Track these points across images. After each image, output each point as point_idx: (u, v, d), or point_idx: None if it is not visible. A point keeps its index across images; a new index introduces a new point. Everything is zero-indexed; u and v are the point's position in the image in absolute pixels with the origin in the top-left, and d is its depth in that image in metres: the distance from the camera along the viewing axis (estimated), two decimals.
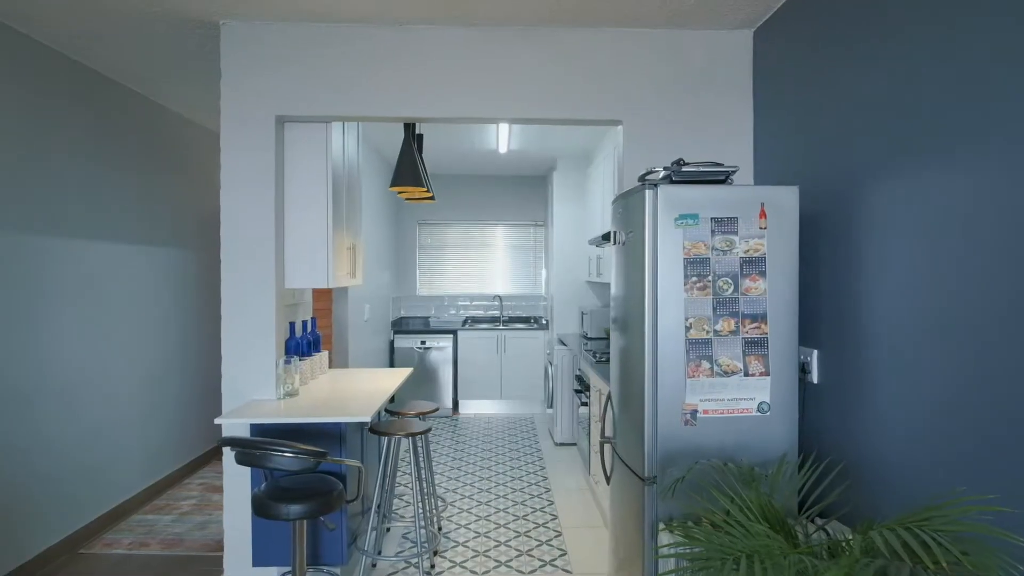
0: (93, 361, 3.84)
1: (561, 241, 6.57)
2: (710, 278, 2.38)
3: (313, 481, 2.81)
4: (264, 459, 2.54)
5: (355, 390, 3.41)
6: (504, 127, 5.28)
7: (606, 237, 4.40)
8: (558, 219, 6.57)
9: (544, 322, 7.36)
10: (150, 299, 4.42)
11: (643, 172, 2.70)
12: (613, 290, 3.00)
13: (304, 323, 3.71)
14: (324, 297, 5.23)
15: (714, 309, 2.38)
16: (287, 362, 3.21)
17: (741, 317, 2.39)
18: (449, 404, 7.06)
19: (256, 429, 3.03)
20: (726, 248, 2.39)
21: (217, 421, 2.78)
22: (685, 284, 2.38)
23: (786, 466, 2.38)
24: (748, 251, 2.40)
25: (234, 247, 3.15)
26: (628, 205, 2.66)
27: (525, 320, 7.82)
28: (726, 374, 2.37)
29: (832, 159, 2.48)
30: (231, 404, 3.16)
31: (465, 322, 7.60)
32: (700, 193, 2.41)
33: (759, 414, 2.40)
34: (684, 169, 2.50)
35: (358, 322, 5.54)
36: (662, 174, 2.54)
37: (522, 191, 7.86)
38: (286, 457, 2.52)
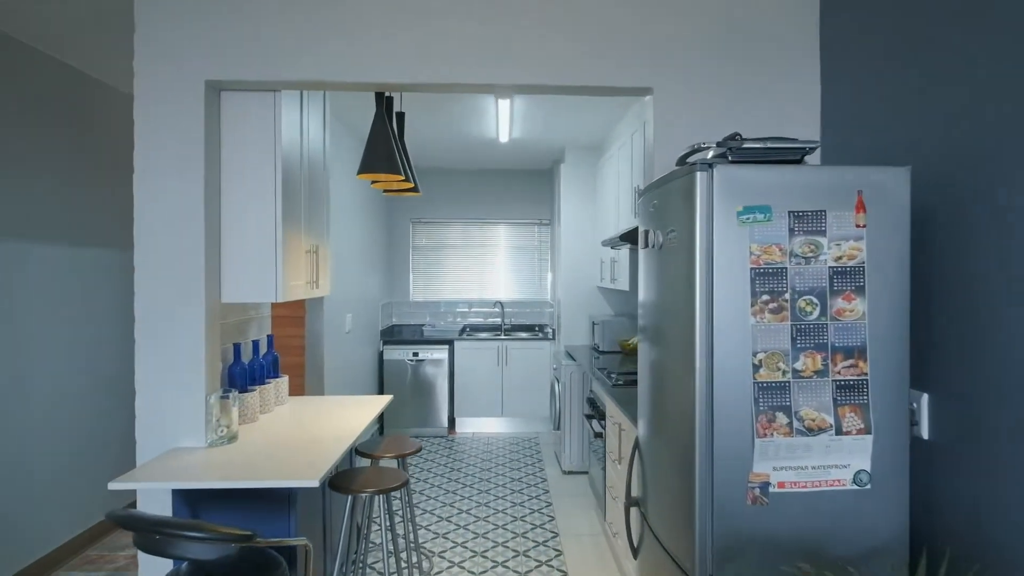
0: (2, 385, 3.16)
1: (569, 242, 5.87)
2: (787, 296, 1.68)
3: (248, 558, 2.11)
4: (167, 546, 1.84)
5: (316, 429, 2.71)
6: (505, 111, 4.58)
7: (626, 238, 3.70)
8: (566, 217, 5.87)
9: (550, 332, 6.66)
10: (80, 311, 3.73)
11: (685, 152, 2.00)
12: (643, 302, 2.29)
13: (255, 343, 3.02)
14: (295, 305, 4.53)
15: (793, 340, 1.68)
16: (224, 396, 2.52)
17: (831, 351, 1.68)
18: (444, 422, 6.37)
19: (176, 495, 2.34)
20: (810, 253, 1.69)
21: (112, 486, 2.07)
22: (752, 305, 1.68)
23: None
24: (840, 258, 1.69)
25: (151, 251, 2.46)
26: (666, 196, 1.95)
27: (529, 328, 7.12)
28: (810, 432, 1.67)
29: (959, 131, 1.77)
30: (147, 453, 2.46)
31: (463, 331, 6.90)
32: (773, 176, 1.71)
33: (856, 487, 1.70)
34: (746, 146, 1.80)
35: (338, 333, 4.85)
36: (714, 152, 1.84)
37: (525, 186, 7.16)
38: (197, 543, 1.83)
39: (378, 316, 6.37)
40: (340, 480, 2.66)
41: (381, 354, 6.44)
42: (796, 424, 1.67)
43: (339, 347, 4.90)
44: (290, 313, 4.50)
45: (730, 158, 1.80)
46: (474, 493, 4.73)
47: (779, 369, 1.67)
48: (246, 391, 2.86)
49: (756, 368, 1.68)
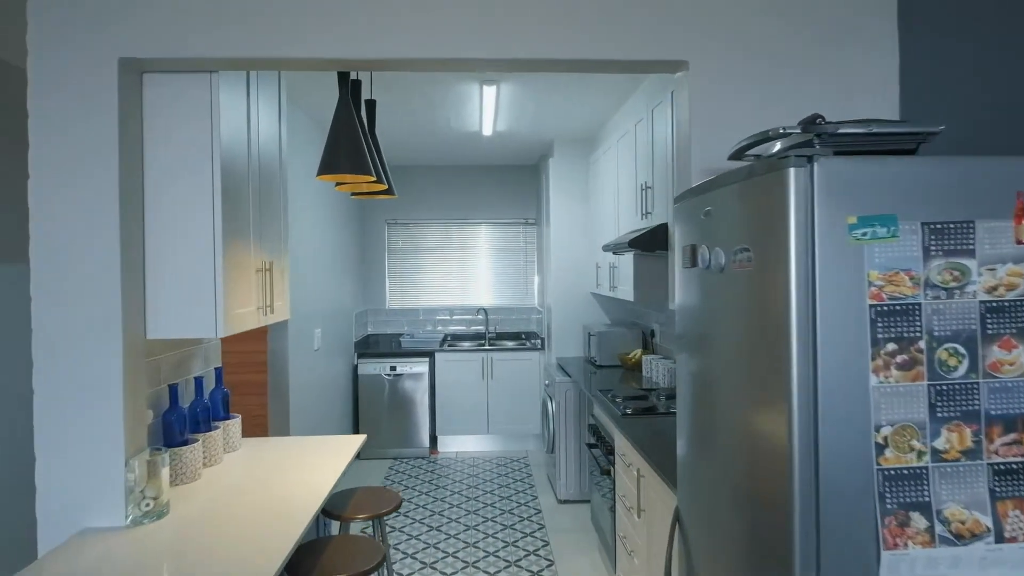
0: None
1: (560, 244, 5.36)
2: (921, 344, 1.19)
3: None
4: None
5: (274, 486, 2.18)
6: (490, 100, 4.05)
7: (638, 243, 3.19)
8: (556, 217, 5.36)
9: (539, 342, 6.15)
10: None
11: (746, 142, 1.50)
12: (688, 340, 1.80)
13: (198, 381, 2.48)
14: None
15: (932, 407, 1.19)
16: (153, 455, 1.98)
17: (985, 422, 1.20)
18: (426, 442, 5.84)
19: None
20: (953, 283, 1.20)
21: None
22: (873, 358, 1.19)
23: None
24: (996, 288, 1.20)
25: (50, 273, 1.91)
26: (732, 201, 1.45)
27: (515, 337, 6.61)
28: (959, 539, 1.18)
29: None
30: (52, 538, 1.91)
31: (444, 341, 6.37)
32: (898, 172, 1.21)
33: None
34: (844, 131, 1.31)
35: (305, 352, 4.30)
36: (790, 141, 1.35)
37: (510, 183, 6.65)
38: None
39: (352, 327, 5.82)
40: (301, 564, 2.13)
41: (356, 368, 5.89)
42: (939, 528, 1.18)
43: (307, 365, 4.35)
44: (247, 336, 3.94)
45: (817, 146, 1.31)
46: (460, 540, 4.21)
47: (912, 450, 1.18)
48: (186, 443, 2.32)
49: (880, 449, 1.18)
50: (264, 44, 1.94)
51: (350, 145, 2.20)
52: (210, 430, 2.50)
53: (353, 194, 2.77)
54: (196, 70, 2.05)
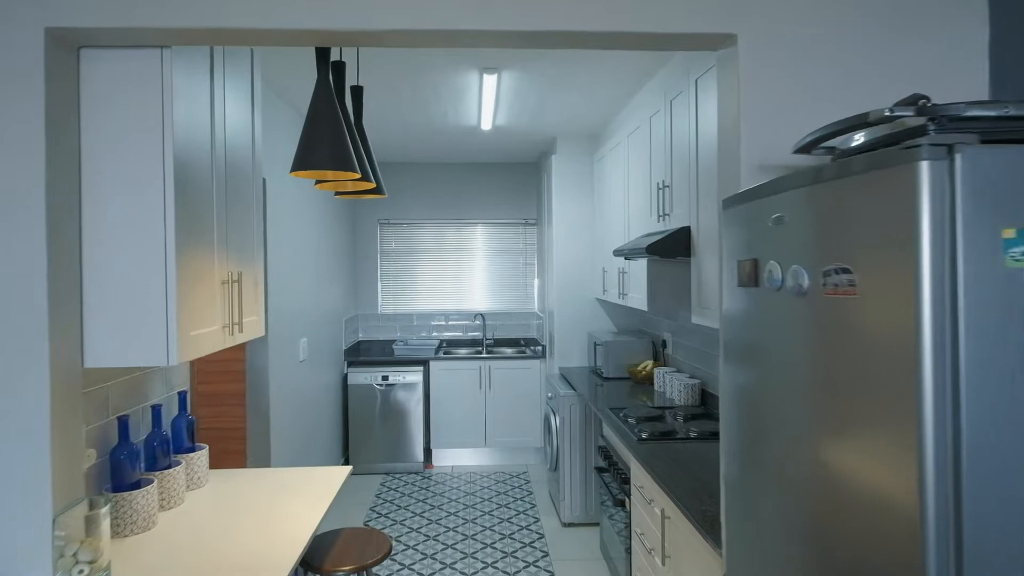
0: None
1: (563, 246, 5.03)
2: None
3: None
4: None
5: (243, 535, 1.84)
6: (490, 90, 3.72)
7: (659, 249, 2.86)
8: (558, 218, 5.03)
9: (539, 349, 5.82)
10: None
11: (828, 130, 1.17)
12: (742, 385, 1.47)
13: (155, 410, 2.14)
14: None
15: None
16: (93, 506, 1.64)
17: None
18: (419, 455, 5.50)
19: None
20: None
21: None
22: None
23: None
24: None
25: None
26: (809, 206, 1.12)
27: (514, 343, 6.28)
28: None
29: None
30: None
31: (439, 348, 6.04)
32: None
33: None
34: (973, 114, 0.98)
35: (289, 364, 3.96)
36: (912, 122, 1.03)
37: (508, 182, 6.31)
38: None
39: (341, 333, 5.47)
40: None
41: (345, 378, 5.54)
42: None
43: (291, 379, 4.01)
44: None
45: (933, 131, 0.99)
46: (457, 557, 3.88)
47: None
48: (138, 485, 1.98)
49: None
50: (226, 12, 1.60)
51: (331, 136, 1.86)
52: (170, 466, 2.16)
53: (337, 194, 2.43)
54: (145, 44, 1.71)
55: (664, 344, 4.30)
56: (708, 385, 3.58)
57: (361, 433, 5.45)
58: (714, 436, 2.91)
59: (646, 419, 3.20)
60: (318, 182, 2.17)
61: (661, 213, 3.23)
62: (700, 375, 3.69)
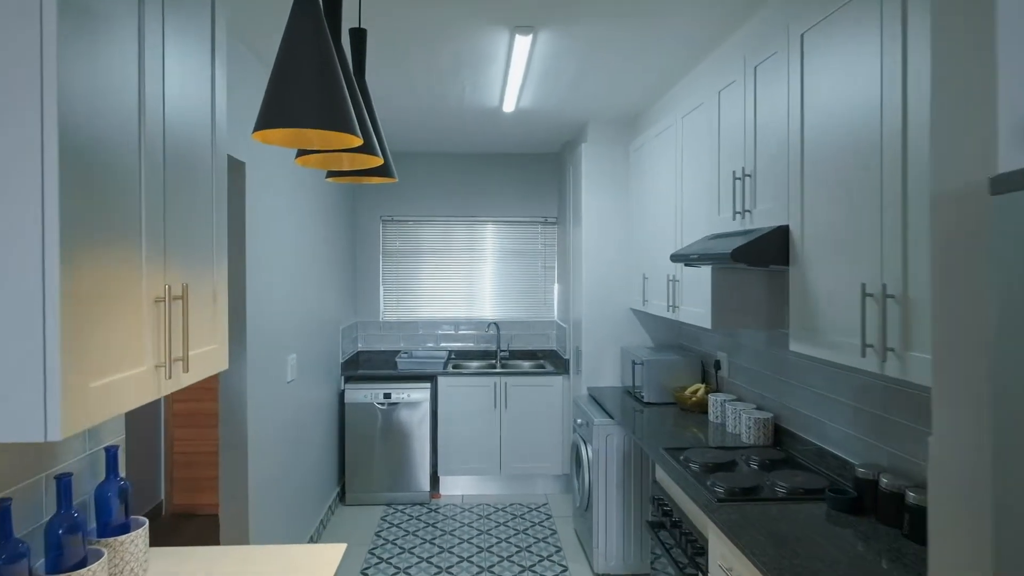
0: None
1: (593, 248, 4.38)
2: None
3: None
4: None
5: None
6: (520, 59, 3.07)
7: (746, 255, 2.21)
8: (588, 215, 4.38)
9: (562, 364, 5.16)
10: None
11: None
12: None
13: (63, 482, 1.48)
14: None
15: None
16: None
17: None
18: (425, 483, 4.85)
19: None
20: None
21: None
22: None
23: None
24: None
25: None
26: None
27: (531, 356, 5.63)
28: None
29: None
30: None
31: (448, 360, 5.39)
32: None
33: None
34: None
35: (274, 386, 3.31)
36: None
37: (528, 175, 5.66)
38: None
39: (338, 344, 4.82)
40: None
41: (342, 395, 4.89)
42: None
43: (276, 402, 3.36)
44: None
45: None
46: None
47: None
48: None
49: None
50: None
51: (317, 81, 1.20)
52: (84, 562, 1.51)
53: (329, 175, 1.77)
54: None
55: (717, 365, 3.65)
56: (782, 420, 2.93)
57: (359, 458, 4.80)
58: (811, 495, 2.26)
59: (715, 467, 2.55)
60: (300, 154, 1.51)
61: (738, 209, 2.58)
62: (769, 406, 3.04)
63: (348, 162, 1.58)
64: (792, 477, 2.40)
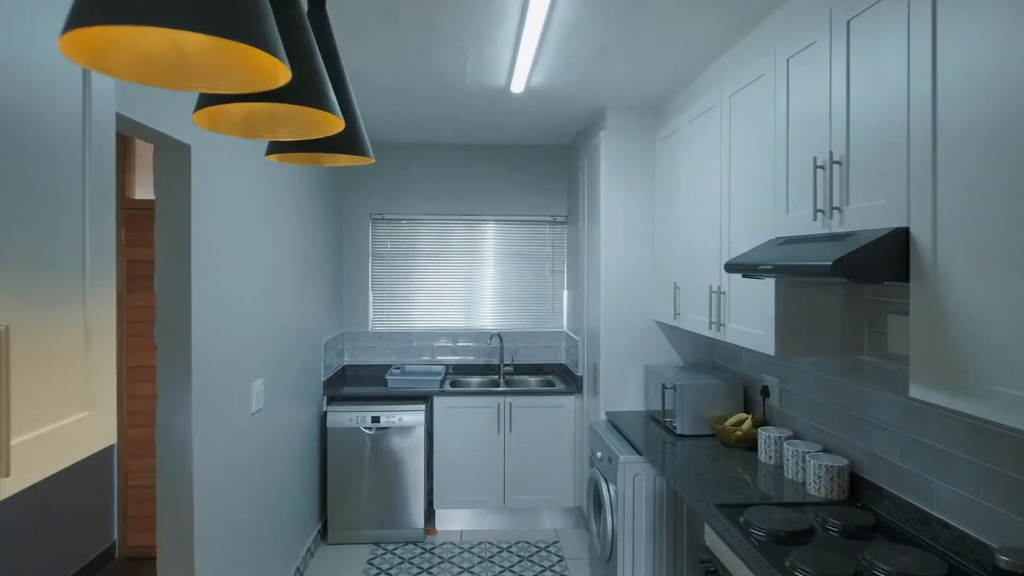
0: None
1: (612, 252, 3.80)
2: None
3: None
4: None
5: None
6: (537, 19, 2.48)
7: (853, 268, 1.64)
8: (607, 213, 3.80)
9: (573, 382, 4.58)
10: None
11: None
12: None
13: None
14: (143, 375, 2.37)
15: None
16: None
17: None
18: (419, 519, 4.26)
19: None
20: None
21: None
22: None
23: None
24: None
25: None
26: None
27: (537, 370, 5.05)
28: None
29: None
30: None
31: (445, 376, 4.81)
32: None
33: None
34: None
35: (234, 420, 2.72)
36: None
37: (535, 169, 5.07)
38: None
39: (319, 358, 4.23)
40: None
41: (324, 418, 4.30)
42: None
43: (238, 437, 2.77)
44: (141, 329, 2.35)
45: None
46: None
47: None
48: None
49: None
50: None
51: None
52: None
53: (270, 150, 1.19)
54: None
55: (765, 392, 3.07)
56: (861, 467, 2.36)
57: (344, 491, 4.21)
58: None
59: (787, 536, 1.98)
60: (202, 104, 0.91)
61: (820, 207, 2.00)
62: (839, 448, 2.47)
63: (291, 125, 0.99)
64: (897, 556, 1.82)
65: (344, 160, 1.25)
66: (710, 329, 2.87)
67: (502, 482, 4.38)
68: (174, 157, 2.24)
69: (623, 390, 3.80)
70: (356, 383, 4.63)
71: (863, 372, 2.36)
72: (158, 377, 2.26)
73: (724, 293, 2.76)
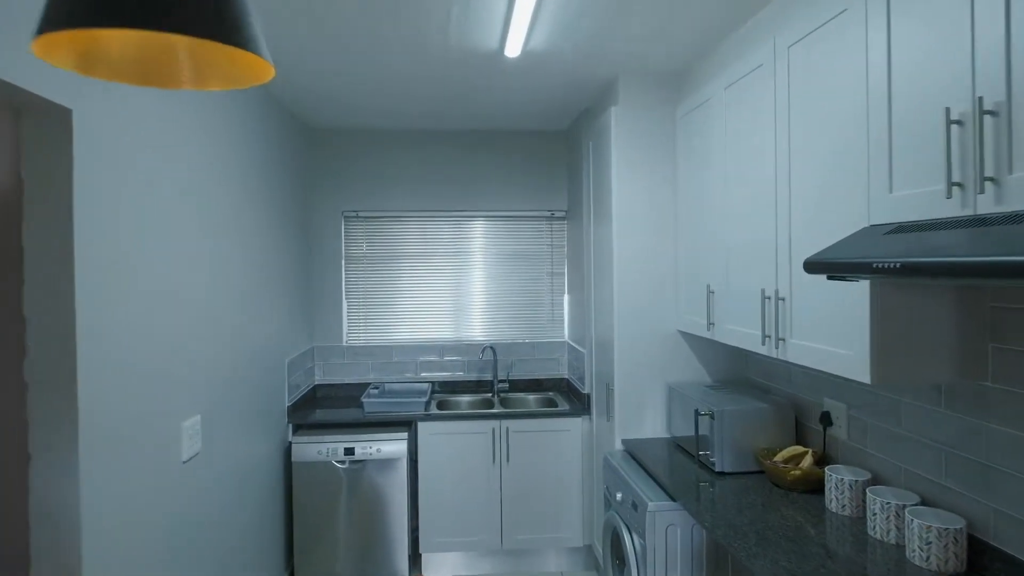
0: None
1: (627, 249, 3.20)
2: None
3: None
4: None
5: None
6: None
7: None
8: (621, 204, 3.19)
9: (584, 396, 3.98)
10: None
11: None
12: None
13: None
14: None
15: None
16: None
17: None
18: (402, 565, 3.64)
19: None
20: None
21: None
22: None
23: None
24: None
25: None
26: None
27: (536, 386, 4.44)
28: None
29: None
30: None
31: (431, 395, 4.20)
32: None
33: None
34: None
35: (152, 475, 2.09)
36: None
37: (530, 157, 4.47)
38: None
39: (283, 380, 3.60)
40: None
41: (288, 451, 3.67)
42: None
43: (158, 495, 2.15)
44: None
45: None
46: None
47: None
48: None
49: None
50: None
51: None
52: None
53: (42, 28, 0.58)
54: None
55: (826, 419, 2.48)
56: (981, 528, 1.78)
57: (313, 535, 3.58)
58: None
59: None
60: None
61: (958, 180, 1.41)
62: (948, 501, 1.88)
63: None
64: None
65: (213, 72, 0.65)
66: (763, 345, 2.28)
67: (499, 519, 3.77)
68: (47, 125, 1.61)
69: (641, 413, 3.20)
70: (328, 405, 4.00)
71: (985, 401, 1.78)
72: (30, 431, 1.63)
73: (783, 299, 2.16)
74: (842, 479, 2.19)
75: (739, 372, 3.23)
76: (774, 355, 2.22)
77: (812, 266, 1.66)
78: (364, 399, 3.87)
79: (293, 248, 3.86)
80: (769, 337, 2.25)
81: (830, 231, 1.90)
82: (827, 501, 2.26)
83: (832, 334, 1.90)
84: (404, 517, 3.63)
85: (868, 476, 2.20)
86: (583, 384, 3.89)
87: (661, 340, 3.20)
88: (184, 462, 2.28)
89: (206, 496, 2.47)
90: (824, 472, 2.34)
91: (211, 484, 2.52)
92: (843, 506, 2.19)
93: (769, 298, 2.25)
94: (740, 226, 2.47)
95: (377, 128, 4.30)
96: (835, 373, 1.88)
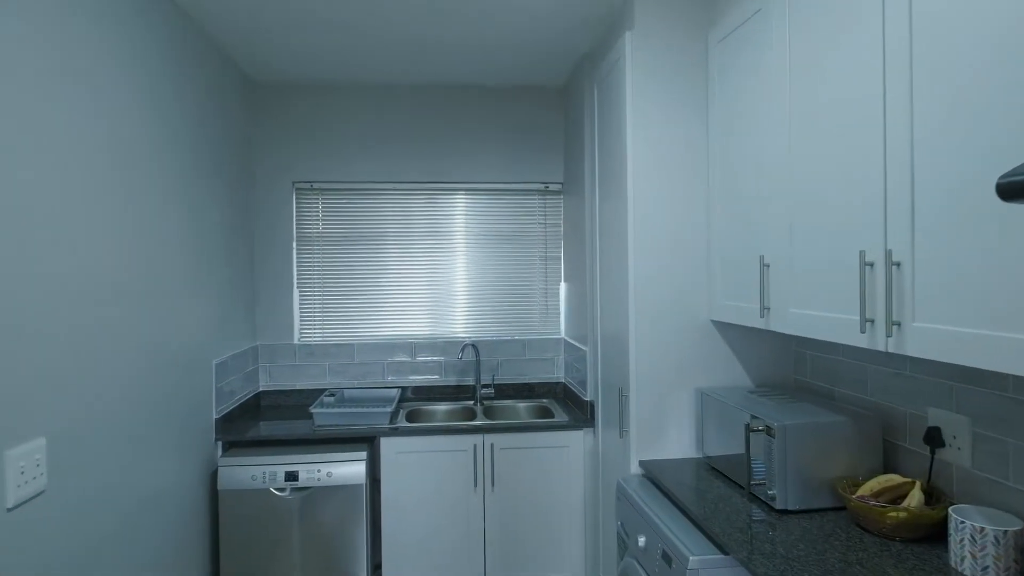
0: None
1: (647, 223, 2.48)
2: None
3: None
4: None
5: None
6: None
7: None
8: (638, 163, 2.48)
9: (585, 404, 3.26)
10: None
11: None
12: None
13: None
14: None
15: None
16: None
17: None
18: None
19: None
20: None
21: None
22: None
23: None
24: None
25: None
26: None
27: (526, 392, 3.72)
28: None
29: None
30: None
31: (399, 406, 3.48)
32: None
33: None
34: None
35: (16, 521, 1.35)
36: None
37: (519, 119, 3.75)
38: None
39: (210, 387, 2.86)
40: None
41: (215, 476, 2.92)
42: None
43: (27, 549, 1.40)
44: None
45: None
46: None
47: None
48: None
49: None
50: None
51: None
52: None
53: None
54: None
55: (935, 438, 1.79)
56: None
57: None
58: None
59: None
60: None
61: None
62: None
63: None
64: None
65: None
66: (863, 333, 1.57)
67: (481, 559, 3.04)
68: None
69: (663, 426, 2.49)
70: (273, 417, 3.26)
71: None
72: None
73: (898, 264, 1.46)
74: (982, 529, 1.50)
75: (787, 371, 2.53)
76: (881, 348, 1.52)
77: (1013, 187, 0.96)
78: (313, 409, 3.12)
79: (230, 224, 3.11)
80: (872, 322, 1.55)
81: (973, 164, 1.20)
82: (953, 558, 1.56)
83: (996, 311, 1.20)
84: (363, 558, 2.89)
85: (1020, 524, 1.51)
86: (584, 390, 3.18)
87: (690, 334, 2.50)
88: (10, 509, 1.53)
89: (59, 552, 1.73)
90: (946, 514, 1.64)
91: (68, 533, 1.78)
92: (984, 567, 1.49)
93: (871, 264, 1.55)
94: (819, 170, 1.77)
95: (336, 82, 3.57)
96: (1008, 372, 1.18)
